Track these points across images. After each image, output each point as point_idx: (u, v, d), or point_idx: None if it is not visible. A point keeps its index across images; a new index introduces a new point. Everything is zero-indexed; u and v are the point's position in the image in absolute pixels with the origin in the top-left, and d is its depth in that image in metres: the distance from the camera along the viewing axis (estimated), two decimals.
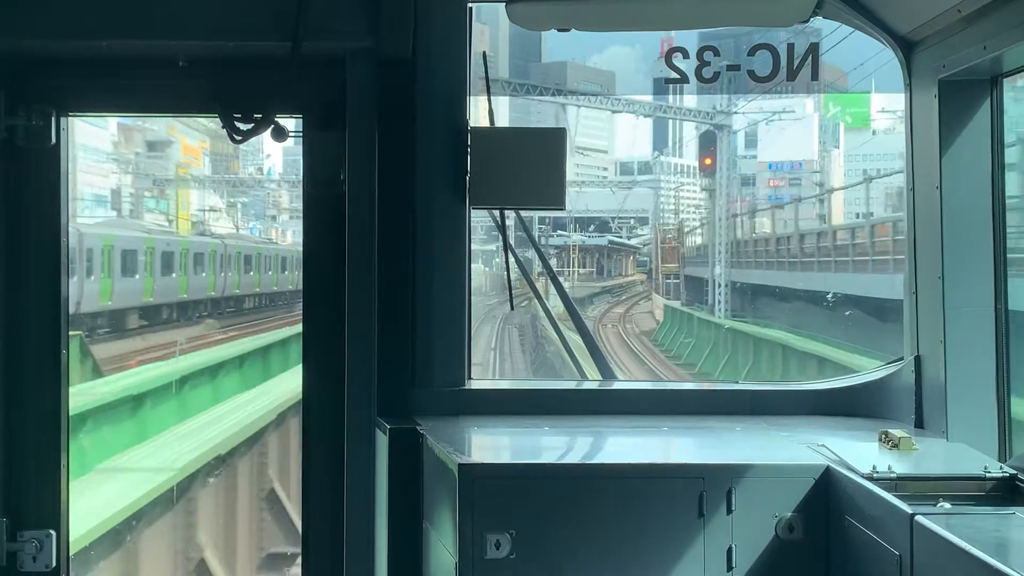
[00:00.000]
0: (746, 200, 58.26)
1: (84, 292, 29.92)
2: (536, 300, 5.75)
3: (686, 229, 58.32)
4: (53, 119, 4.80)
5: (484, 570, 3.85)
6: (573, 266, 54.40)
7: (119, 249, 32.41)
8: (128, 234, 34.42)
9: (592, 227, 57.07)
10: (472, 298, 5.04)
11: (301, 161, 4.94)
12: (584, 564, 3.92)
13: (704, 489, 3.91)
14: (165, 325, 33.84)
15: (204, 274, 37.53)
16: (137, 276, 33.15)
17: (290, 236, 50.27)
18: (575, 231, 54.59)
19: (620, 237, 61.40)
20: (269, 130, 4.81)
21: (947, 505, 3.61)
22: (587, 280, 56.75)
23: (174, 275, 35.50)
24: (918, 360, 4.68)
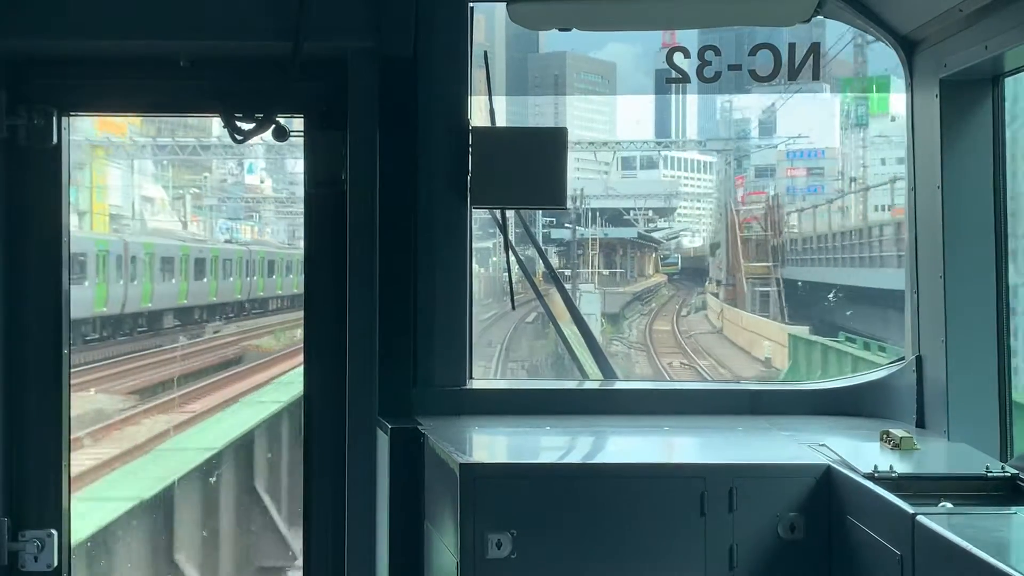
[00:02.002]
0: (763, 192, 51.84)
1: (128, 295, 32.28)
2: (539, 301, 5.74)
3: (791, 208, 45.02)
4: (55, 119, 4.80)
5: (485, 570, 3.85)
6: (592, 266, 42.25)
7: (159, 256, 34.83)
8: (166, 242, 36.80)
9: (604, 220, 47.35)
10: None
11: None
12: (585, 564, 3.92)
13: (705, 489, 3.91)
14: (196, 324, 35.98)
15: (231, 278, 39.47)
16: (173, 280, 35.40)
17: (268, 235, 47.53)
18: (590, 224, 43.94)
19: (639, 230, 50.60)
20: (270, 130, 4.82)
21: (949, 505, 3.60)
22: (612, 284, 43.19)
23: (204, 280, 37.71)
24: (919, 360, 4.68)
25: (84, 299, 29.54)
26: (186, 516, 12.18)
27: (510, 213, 5.29)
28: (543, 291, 6.05)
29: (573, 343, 5.70)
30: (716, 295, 42.07)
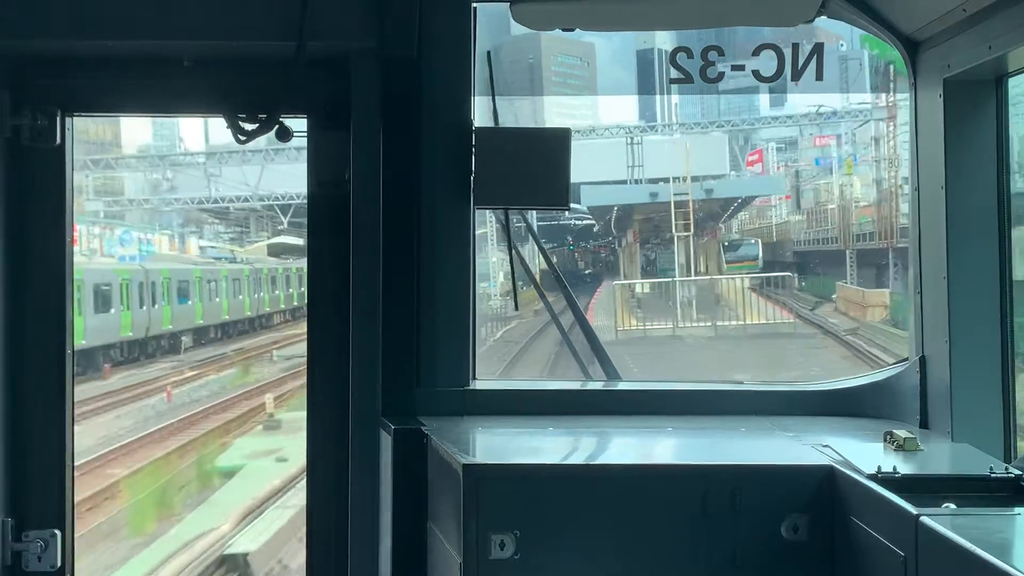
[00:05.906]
0: (786, 166, 46.90)
1: (151, 318, 34.65)
2: (542, 302, 5.72)
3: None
4: (58, 119, 4.80)
5: (489, 570, 3.85)
6: (679, 265, 27.05)
7: (175, 280, 37.38)
8: (181, 267, 39.75)
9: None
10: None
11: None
12: (588, 564, 3.91)
13: (708, 489, 3.91)
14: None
15: (259, 295, 42.62)
16: (190, 302, 37.79)
17: (193, 247, 46.64)
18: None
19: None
20: (274, 130, 4.82)
21: (952, 506, 3.60)
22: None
23: (216, 300, 40.10)
24: (923, 360, 4.67)
25: (112, 326, 31.29)
26: None
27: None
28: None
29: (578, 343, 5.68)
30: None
